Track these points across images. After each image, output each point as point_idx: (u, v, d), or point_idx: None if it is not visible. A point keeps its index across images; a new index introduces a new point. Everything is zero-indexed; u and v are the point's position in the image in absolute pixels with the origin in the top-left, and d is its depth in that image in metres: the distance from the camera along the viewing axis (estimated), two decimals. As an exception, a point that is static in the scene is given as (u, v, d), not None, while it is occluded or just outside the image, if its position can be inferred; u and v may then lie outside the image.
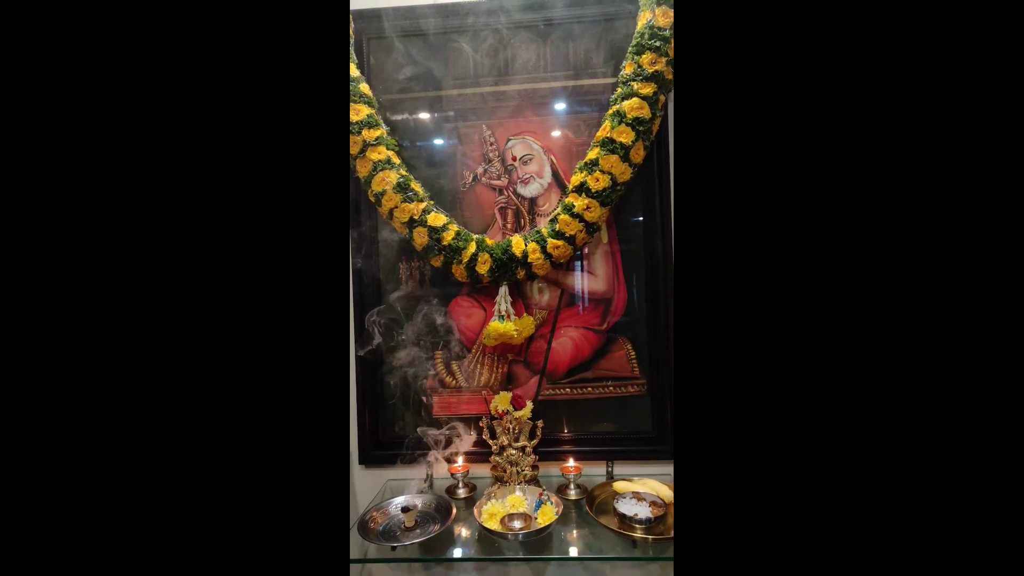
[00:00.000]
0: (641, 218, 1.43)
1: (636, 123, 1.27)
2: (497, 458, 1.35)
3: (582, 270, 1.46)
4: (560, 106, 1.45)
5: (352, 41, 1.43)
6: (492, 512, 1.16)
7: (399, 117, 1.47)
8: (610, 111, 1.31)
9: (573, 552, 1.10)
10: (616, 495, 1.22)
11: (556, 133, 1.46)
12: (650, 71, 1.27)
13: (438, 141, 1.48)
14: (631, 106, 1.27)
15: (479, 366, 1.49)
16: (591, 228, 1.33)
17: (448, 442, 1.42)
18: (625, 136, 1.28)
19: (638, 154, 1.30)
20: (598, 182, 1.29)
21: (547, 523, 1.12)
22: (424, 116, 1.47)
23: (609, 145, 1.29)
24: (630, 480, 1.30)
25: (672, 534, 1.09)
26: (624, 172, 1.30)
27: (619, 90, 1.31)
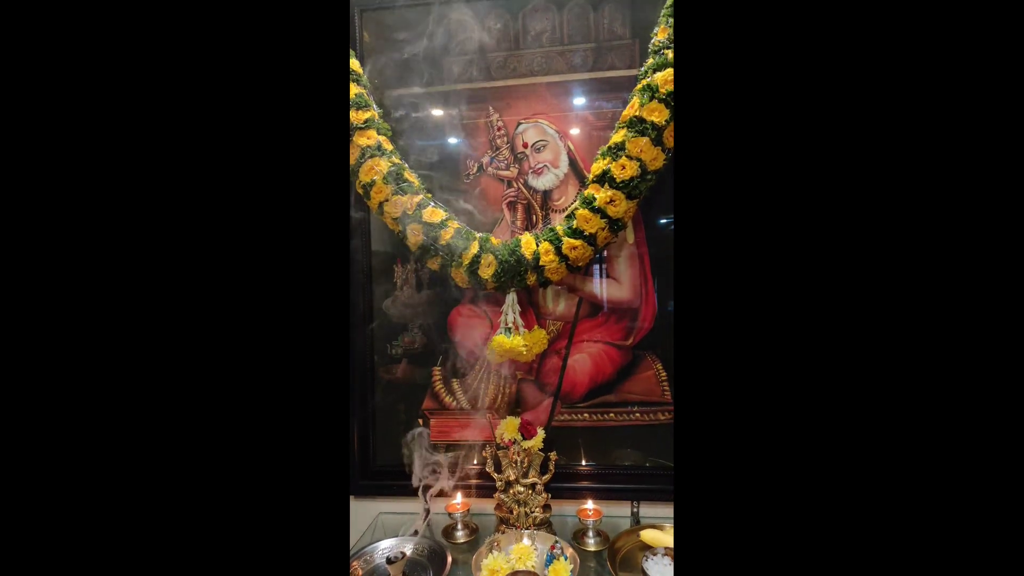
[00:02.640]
0: (674, 216, 1.20)
1: (671, 98, 1.05)
2: (503, 496, 1.14)
3: (604, 275, 1.24)
4: (579, 84, 1.24)
5: (341, 13, 1.25)
6: (494, 568, 0.96)
7: (394, 95, 1.28)
8: (639, 85, 1.09)
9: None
10: (645, 548, 1.01)
11: (574, 116, 1.25)
12: (689, 35, 1.05)
13: (438, 126, 1.29)
14: (664, 78, 1.05)
15: (483, 385, 1.29)
16: (615, 226, 1.11)
17: (447, 473, 1.22)
18: (657, 114, 1.06)
19: (673, 136, 1.08)
20: (624, 170, 1.08)
21: (560, 586, 0.91)
22: (422, 97, 1.28)
23: (638, 126, 1.07)
24: (661, 527, 1.08)
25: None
26: (656, 158, 1.08)
27: (650, 60, 1.09)
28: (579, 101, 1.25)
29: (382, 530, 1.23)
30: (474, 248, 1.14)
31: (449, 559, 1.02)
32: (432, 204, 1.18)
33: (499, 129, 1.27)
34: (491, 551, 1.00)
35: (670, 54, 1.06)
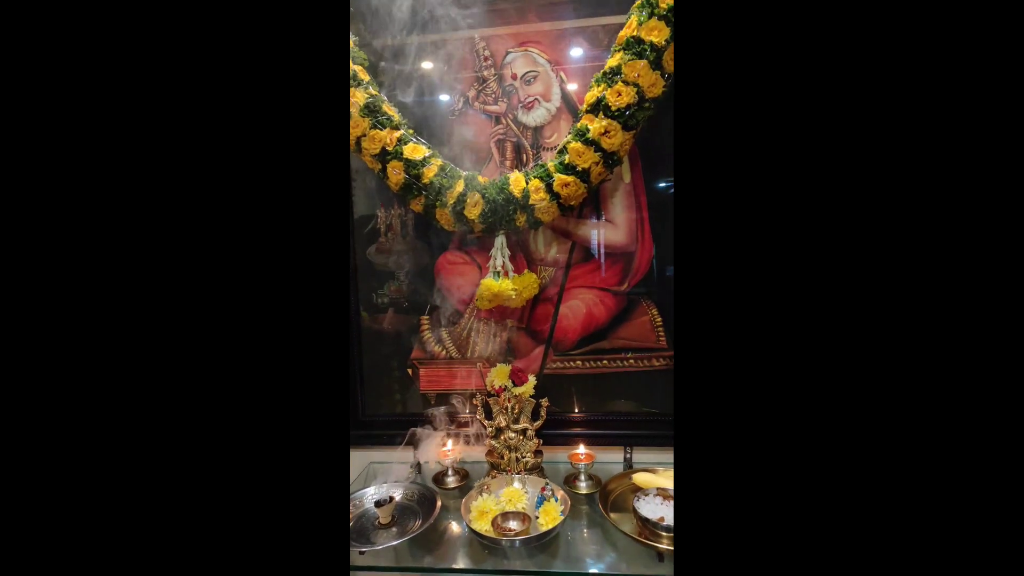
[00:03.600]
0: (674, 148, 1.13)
1: (672, 15, 0.95)
2: (493, 442, 1.13)
3: (598, 217, 1.18)
4: (574, 6, 1.13)
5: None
6: (483, 510, 0.95)
7: (369, 12, 1.17)
8: (638, 1, 0.99)
9: (581, 566, 0.88)
10: (637, 490, 0.99)
11: (568, 43, 1.15)
12: (694, -60, 0.94)
13: (420, 57, 1.18)
14: (666, -9, 0.95)
15: (473, 334, 1.25)
16: (610, 160, 1.04)
17: (437, 422, 1.20)
18: (657, 33, 0.96)
19: (673, 59, 0.99)
20: (620, 97, 0.99)
21: (551, 525, 0.90)
22: (402, 22, 1.17)
23: (635, 47, 0.98)
24: (654, 471, 1.07)
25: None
26: (655, 84, 0.99)
27: (651, -28, 0.98)
28: (574, 27, 1.14)
29: (373, 477, 1.22)
30: (459, 186, 1.07)
31: (439, 503, 1.01)
32: (414, 140, 1.10)
33: (486, 59, 1.17)
34: (480, 494, 0.99)
35: (672, -36, 0.95)
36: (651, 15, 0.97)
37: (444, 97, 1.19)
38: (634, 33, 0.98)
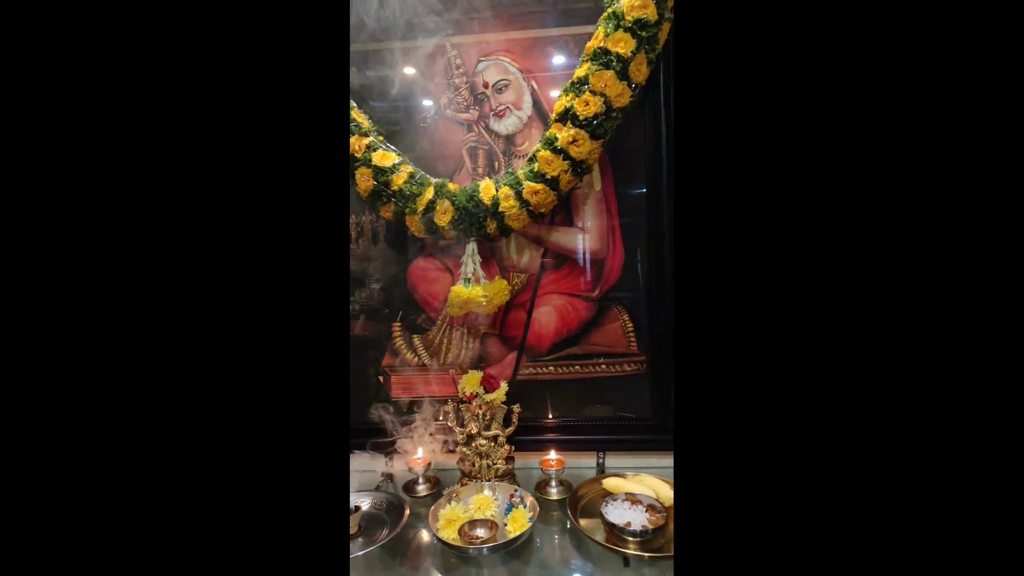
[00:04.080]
0: (642, 162, 1.14)
1: (637, 27, 0.97)
2: (464, 449, 1.12)
3: (570, 224, 1.19)
4: (544, 16, 1.15)
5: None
6: (451, 518, 0.94)
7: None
8: (604, 13, 1.01)
9: (549, 573, 0.88)
10: (606, 495, 1.00)
11: (539, 52, 1.16)
12: (657, -45, 0.96)
13: (391, 65, 1.18)
14: (631, 4, 0.97)
15: (445, 340, 1.25)
16: (579, 168, 1.05)
17: (408, 429, 1.19)
18: (623, 45, 0.98)
19: (640, 70, 1.01)
20: (588, 107, 1.01)
21: (518, 532, 0.90)
22: (373, 31, 1.16)
23: (602, 57, 0.99)
24: (624, 476, 1.08)
25: (674, 550, 0.87)
26: (621, 94, 1.01)
27: (617, -15, 1.00)
28: (544, 35, 1.16)
29: (344, 488, 1.20)
30: (429, 194, 1.07)
31: (407, 512, 1.00)
32: (383, 146, 1.10)
33: (458, 67, 1.18)
34: (449, 502, 0.99)
35: (637, -23, 0.97)
36: (617, 27, 0.98)
37: (416, 104, 1.19)
38: (601, 44, 1.00)
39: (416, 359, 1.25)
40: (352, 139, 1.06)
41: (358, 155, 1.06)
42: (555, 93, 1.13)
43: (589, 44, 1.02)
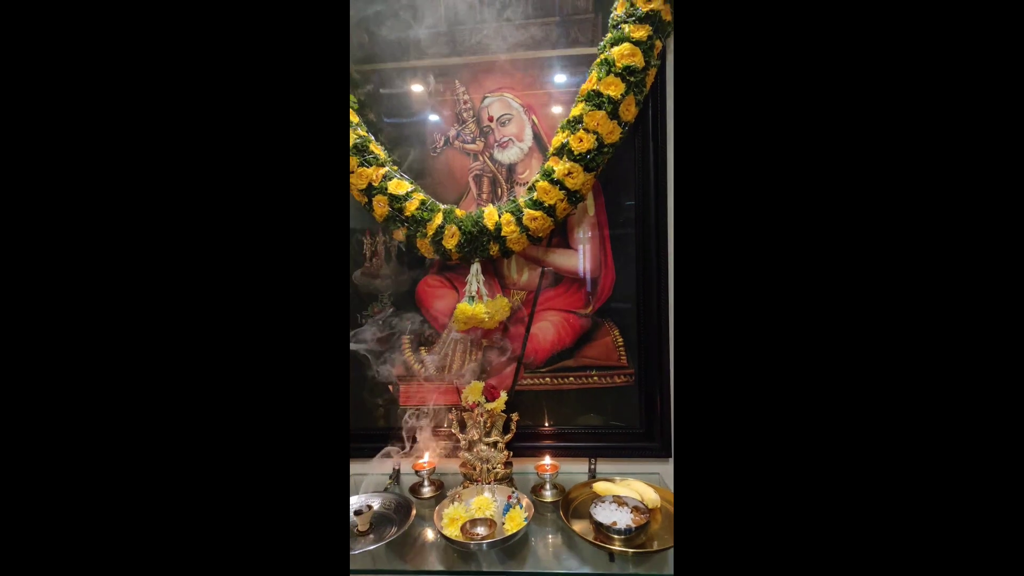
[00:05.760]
0: (632, 190, 1.25)
1: (627, 72, 1.09)
2: (466, 454, 1.21)
3: (566, 246, 1.30)
4: (543, 59, 1.27)
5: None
6: (454, 517, 1.03)
7: (361, 69, 1.29)
8: (598, 59, 1.12)
9: (541, 567, 0.97)
10: (595, 498, 1.09)
11: (539, 90, 1.28)
12: (644, 10, 1.08)
13: (405, 100, 1.30)
14: (621, 52, 1.08)
15: (450, 352, 1.34)
16: (574, 197, 1.16)
17: (414, 435, 1.29)
18: (614, 88, 1.10)
19: (629, 110, 1.12)
20: (582, 143, 1.12)
21: (515, 530, 0.98)
22: (389, 71, 1.29)
23: (595, 99, 1.11)
24: (612, 480, 1.16)
25: (655, 547, 0.95)
26: (612, 131, 1.12)
27: (609, 34, 1.12)
28: (543, 75, 1.27)
29: (353, 489, 1.29)
30: (438, 219, 1.18)
31: (414, 511, 1.09)
32: (398, 176, 1.21)
33: (465, 103, 1.29)
34: (452, 502, 1.08)
35: (627, 28, 1.09)
36: (608, 72, 1.10)
37: (428, 136, 1.30)
38: (594, 87, 1.11)
39: (423, 369, 1.34)
40: (370, 169, 1.17)
41: (375, 184, 1.18)
42: (556, 111, 1.24)
43: (583, 87, 1.13)
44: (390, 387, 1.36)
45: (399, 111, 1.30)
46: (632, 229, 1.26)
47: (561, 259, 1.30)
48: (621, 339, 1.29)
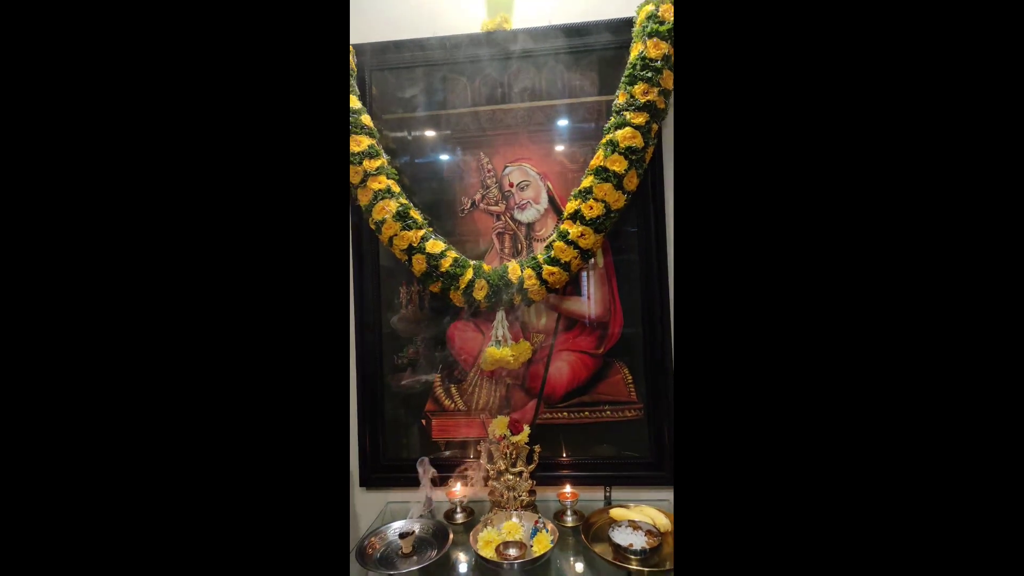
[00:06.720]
0: (635, 246, 1.44)
1: (629, 152, 1.29)
2: (494, 483, 1.35)
3: (578, 295, 1.47)
4: (556, 134, 1.48)
5: (354, 74, 1.48)
6: (488, 540, 1.17)
7: (398, 136, 1.51)
8: (604, 140, 1.33)
9: (568, 582, 1.09)
10: (612, 522, 1.22)
11: (552, 160, 1.48)
12: (642, 101, 1.29)
13: (438, 169, 1.52)
14: (624, 135, 1.29)
15: (477, 389, 1.50)
16: (586, 254, 1.35)
17: (448, 466, 1.43)
18: (618, 165, 1.30)
19: (631, 182, 1.32)
20: (592, 210, 1.31)
21: (542, 552, 1.12)
22: (424, 144, 1.51)
23: (602, 174, 1.31)
24: (627, 507, 1.30)
25: (668, 566, 1.08)
26: (618, 200, 1.32)
27: (612, 119, 1.33)
28: (556, 148, 1.49)
29: (391, 516, 1.42)
30: (469, 274, 1.37)
31: (451, 535, 1.22)
32: (434, 237, 1.40)
33: (489, 171, 1.50)
34: (485, 527, 1.21)
35: (628, 115, 1.30)
36: (613, 151, 1.30)
37: (457, 199, 1.51)
38: (601, 163, 1.32)
39: (453, 405, 1.50)
40: (410, 233, 1.37)
41: (415, 245, 1.37)
42: (553, 182, 1.44)
43: (592, 162, 1.34)
44: (423, 421, 1.51)
45: (432, 178, 1.51)
46: (637, 278, 1.44)
47: (575, 306, 1.47)
48: (630, 376, 1.44)
